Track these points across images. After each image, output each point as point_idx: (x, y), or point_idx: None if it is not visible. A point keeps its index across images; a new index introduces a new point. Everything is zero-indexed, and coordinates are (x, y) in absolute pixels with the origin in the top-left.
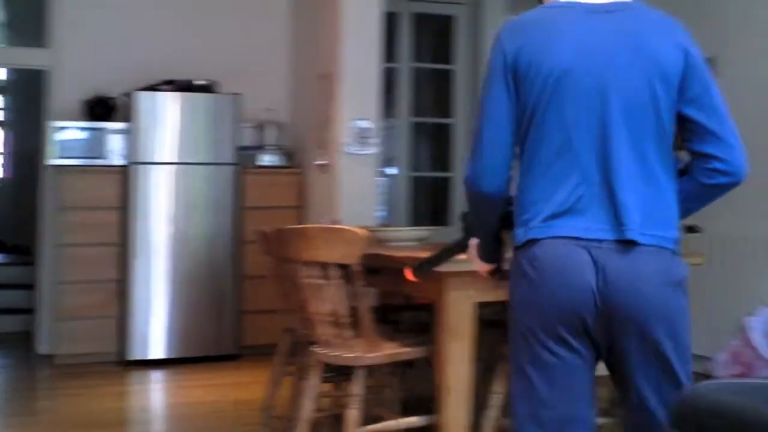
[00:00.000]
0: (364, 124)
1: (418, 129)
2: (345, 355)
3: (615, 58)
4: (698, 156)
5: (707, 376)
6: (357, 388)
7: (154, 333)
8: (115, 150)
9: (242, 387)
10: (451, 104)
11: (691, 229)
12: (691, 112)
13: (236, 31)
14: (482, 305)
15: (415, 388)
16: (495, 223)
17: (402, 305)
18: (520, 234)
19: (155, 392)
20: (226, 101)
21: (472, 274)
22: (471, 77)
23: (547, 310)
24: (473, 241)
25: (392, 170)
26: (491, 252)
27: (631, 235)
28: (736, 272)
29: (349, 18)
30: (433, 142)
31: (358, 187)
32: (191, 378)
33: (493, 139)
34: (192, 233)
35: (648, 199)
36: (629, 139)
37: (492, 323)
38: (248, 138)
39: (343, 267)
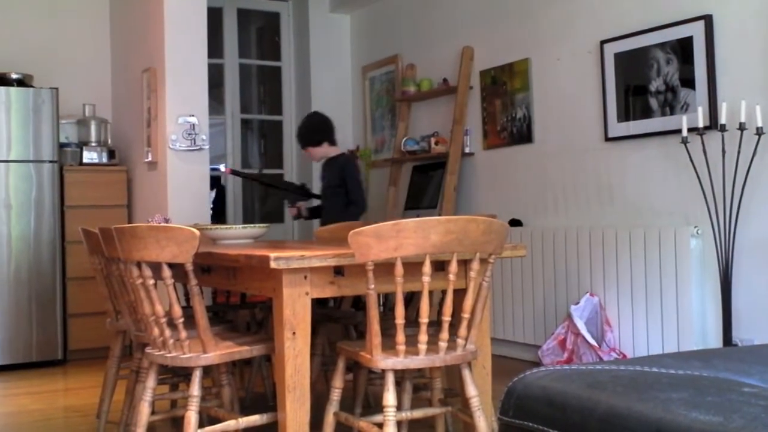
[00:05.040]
0: (192, 120)
1: (247, 126)
2: (181, 356)
3: None
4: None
5: (536, 364)
6: (194, 389)
7: None
8: None
9: (71, 393)
10: (280, 101)
11: (515, 223)
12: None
13: (52, 22)
14: (318, 301)
15: (253, 387)
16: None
17: (237, 303)
18: None
19: None
20: (42, 95)
21: (308, 270)
22: (299, 74)
23: None
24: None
25: (222, 167)
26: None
27: None
28: (559, 263)
29: (174, 11)
30: (262, 139)
31: (188, 185)
32: (16, 385)
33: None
34: (11, 234)
35: None
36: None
37: (328, 319)
38: (70, 134)
39: (176, 266)
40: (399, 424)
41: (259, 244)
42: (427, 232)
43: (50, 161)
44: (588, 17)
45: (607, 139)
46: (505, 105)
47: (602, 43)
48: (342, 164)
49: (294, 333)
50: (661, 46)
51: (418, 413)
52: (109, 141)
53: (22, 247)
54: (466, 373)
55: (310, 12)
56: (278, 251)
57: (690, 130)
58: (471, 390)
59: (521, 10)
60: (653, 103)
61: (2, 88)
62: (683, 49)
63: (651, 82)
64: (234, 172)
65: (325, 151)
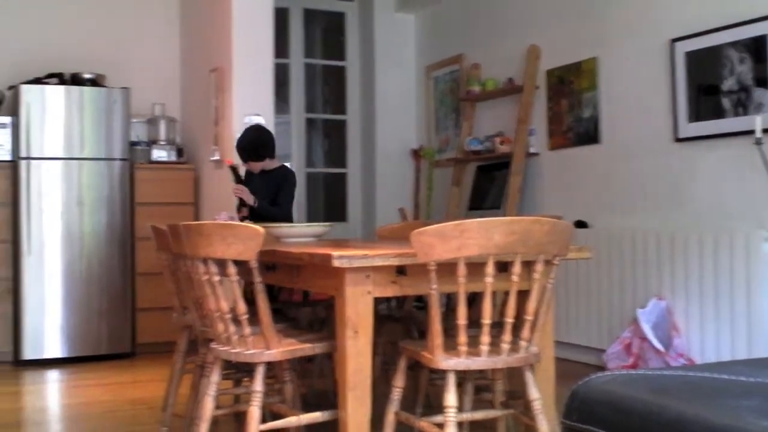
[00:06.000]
0: (258, 119)
1: (312, 125)
2: (245, 352)
3: None
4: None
5: (600, 368)
6: (257, 384)
7: (49, 332)
8: (1, 145)
9: (138, 386)
10: (344, 100)
11: (580, 224)
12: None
13: (124, 23)
14: (380, 300)
15: (315, 384)
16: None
17: (300, 301)
18: None
19: (51, 392)
20: (114, 95)
21: (371, 269)
22: (363, 73)
23: None
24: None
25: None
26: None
27: None
28: (626, 266)
29: (241, 12)
30: (326, 138)
31: None
32: (87, 377)
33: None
34: (84, 230)
35: None
36: None
37: (389, 318)
38: (140, 133)
39: (240, 263)
40: (460, 425)
41: (322, 243)
42: (490, 233)
43: (121, 159)
44: (658, 15)
45: (677, 139)
46: (572, 105)
47: (673, 41)
48: (282, 177)
49: (356, 332)
50: (734, 44)
51: (479, 415)
52: (178, 139)
53: (93, 242)
54: (529, 376)
55: (375, 12)
56: (341, 250)
57: (764, 131)
58: (533, 393)
59: (589, 8)
60: (725, 103)
61: (76, 87)
62: (757, 47)
63: (723, 81)
64: (231, 167)
65: (265, 164)
